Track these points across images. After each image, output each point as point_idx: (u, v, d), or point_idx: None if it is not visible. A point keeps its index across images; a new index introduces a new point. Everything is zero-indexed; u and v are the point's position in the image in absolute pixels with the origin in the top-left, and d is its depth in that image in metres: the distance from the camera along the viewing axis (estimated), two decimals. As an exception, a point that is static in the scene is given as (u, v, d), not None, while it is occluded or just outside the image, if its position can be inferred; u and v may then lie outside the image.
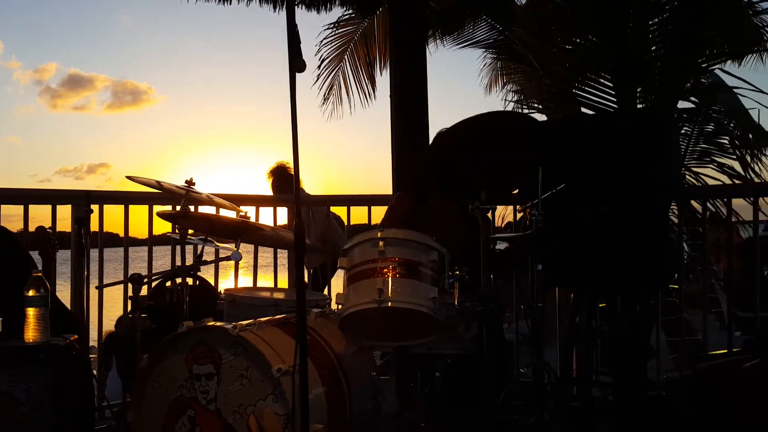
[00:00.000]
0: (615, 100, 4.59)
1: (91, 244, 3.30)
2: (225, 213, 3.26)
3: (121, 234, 3.56)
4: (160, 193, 3.20)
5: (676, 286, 4.18)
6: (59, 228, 3.28)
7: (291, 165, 4.11)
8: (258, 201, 3.85)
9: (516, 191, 3.42)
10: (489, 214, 2.97)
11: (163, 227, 3.68)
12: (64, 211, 3.36)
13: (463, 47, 6.51)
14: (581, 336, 3.48)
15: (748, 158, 4.39)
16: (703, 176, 4.56)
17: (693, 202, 4.19)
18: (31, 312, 2.19)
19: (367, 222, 3.91)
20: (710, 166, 4.59)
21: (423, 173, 3.21)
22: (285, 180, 4.29)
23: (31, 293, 2.18)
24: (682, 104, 4.70)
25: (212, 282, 3.51)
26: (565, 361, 3.44)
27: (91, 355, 3.40)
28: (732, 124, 4.63)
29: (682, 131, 4.63)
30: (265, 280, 3.98)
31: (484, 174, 2.50)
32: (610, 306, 3.48)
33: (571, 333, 3.44)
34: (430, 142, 3.44)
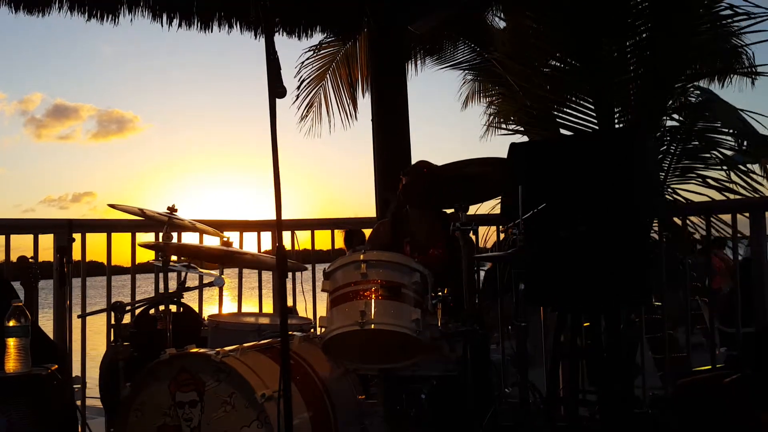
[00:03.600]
0: (595, 121, 4.70)
1: (73, 274, 3.30)
2: (208, 239, 3.28)
3: (104, 263, 3.56)
4: (142, 221, 3.22)
5: (660, 304, 4.23)
6: (41, 258, 3.27)
7: (362, 229, 4.28)
8: (241, 226, 3.87)
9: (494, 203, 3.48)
10: (472, 235, 3.02)
11: (146, 255, 3.69)
12: (47, 241, 3.36)
13: (444, 68, 6.64)
14: (566, 355, 3.52)
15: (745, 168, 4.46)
16: (685, 191, 4.67)
17: (675, 219, 4.27)
18: (11, 342, 2.18)
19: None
20: (693, 181, 4.68)
21: (402, 191, 3.26)
22: (358, 239, 4.43)
23: (11, 323, 2.18)
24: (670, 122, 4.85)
25: (197, 309, 3.50)
26: (552, 380, 3.46)
27: (74, 386, 3.37)
28: (732, 135, 4.71)
29: (663, 148, 4.74)
30: (251, 306, 3.98)
31: (461, 186, 2.53)
32: (594, 324, 3.52)
33: (555, 352, 3.48)
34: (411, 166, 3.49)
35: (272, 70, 2.03)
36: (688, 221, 4.14)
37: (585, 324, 3.65)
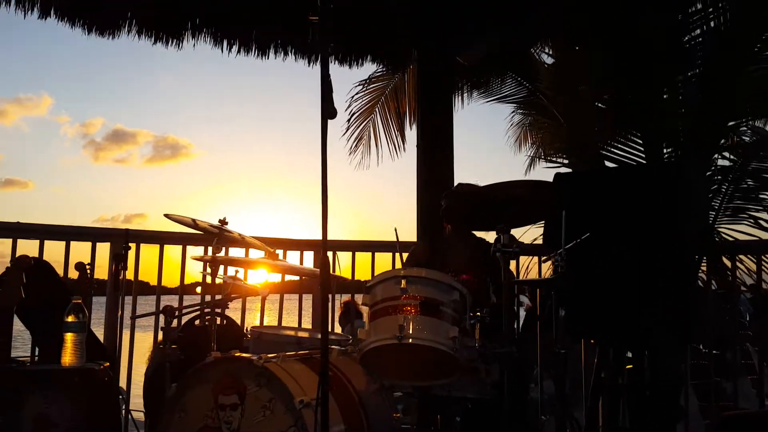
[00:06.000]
0: (643, 156, 4.73)
1: (125, 291, 3.46)
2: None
3: (153, 282, 3.75)
4: (193, 234, 3.41)
5: (707, 351, 4.17)
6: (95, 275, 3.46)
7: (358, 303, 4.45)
8: (285, 245, 4.03)
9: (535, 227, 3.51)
10: (513, 264, 3.08)
11: (192, 278, 3.87)
12: (102, 260, 3.55)
13: (490, 102, 6.76)
14: (607, 391, 3.49)
15: None
16: (735, 232, 4.62)
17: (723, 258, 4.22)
18: (69, 337, 2.35)
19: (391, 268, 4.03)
20: (745, 222, 4.63)
21: (444, 211, 3.36)
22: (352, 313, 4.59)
23: (70, 319, 2.35)
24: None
25: (239, 321, 3.65)
26: (591, 416, 3.44)
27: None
28: None
29: (714, 188, 4.72)
30: (290, 321, 4.11)
31: (504, 208, 2.60)
32: (636, 361, 3.50)
33: (596, 388, 3.46)
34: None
35: (325, 91, 2.15)
36: (738, 261, 4.09)
37: (628, 366, 3.63)
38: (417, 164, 4.83)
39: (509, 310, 2.60)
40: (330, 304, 3.85)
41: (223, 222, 2.95)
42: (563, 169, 5.14)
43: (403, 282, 2.40)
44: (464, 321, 2.47)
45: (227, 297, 2.92)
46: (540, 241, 4.59)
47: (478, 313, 2.50)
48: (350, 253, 4.17)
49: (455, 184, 3.51)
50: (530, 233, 4.79)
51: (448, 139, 4.74)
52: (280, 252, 3.92)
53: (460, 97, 7.24)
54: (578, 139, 4.83)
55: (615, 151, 4.80)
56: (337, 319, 4.71)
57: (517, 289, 3.61)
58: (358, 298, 3.75)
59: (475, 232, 3.46)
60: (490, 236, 3.08)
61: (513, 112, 7.66)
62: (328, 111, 2.11)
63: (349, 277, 4.18)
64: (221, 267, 3.03)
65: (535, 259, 4.21)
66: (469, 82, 7.08)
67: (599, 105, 5.08)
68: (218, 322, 3.04)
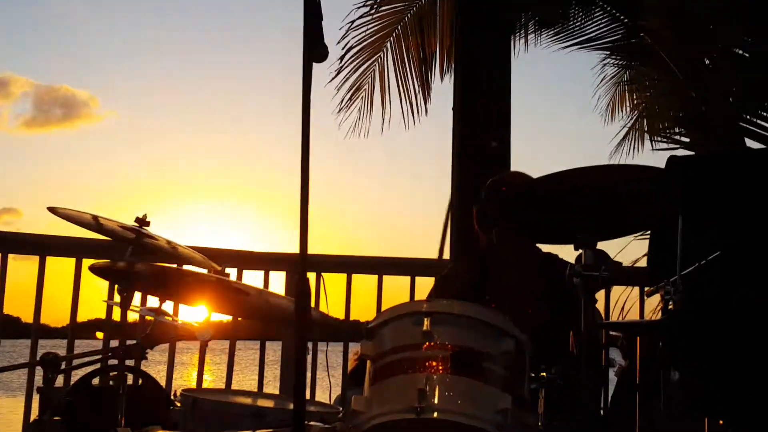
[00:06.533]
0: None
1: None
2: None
3: (27, 318, 3.75)
4: (94, 240, 3.41)
5: None
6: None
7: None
8: (242, 261, 4.03)
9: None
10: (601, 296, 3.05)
11: (92, 311, 3.85)
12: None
13: (569, 48, 6.74)
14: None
15: None
16: None
17: None
18: None
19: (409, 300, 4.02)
20: None
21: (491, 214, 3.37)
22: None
23: None
24: None
25: (163, 382, 3.65)
26: None
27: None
28: None
29: None
30: (247, 384, 4.12)
31: (586, 209, 2.60)
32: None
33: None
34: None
35: (310, 21, 2.14)
36: None
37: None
38: (453, 139, 4.81)
39: (592, 369, 2.59)
40: (309, 355, 3.85)
41: (143, 222, 2.93)
42: (681, 151, 5.13)
43: (426, 322, 2.38)
44: (521, 385, 2.46)
45: (145, 342, 2.91)
46: (643, 263, 4.58)
47: (544, 374, 2.49)
48: (344, 275, 4.16)
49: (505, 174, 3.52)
50: (630, 249, 4.73)
51: (503, 100, 4.72)
52: (232, 271, 3.92)
53: (523, 39, 7.25)
54: (706, 105, 4.81)
55: (759, 123, 4.79)
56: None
57: (606, 338, 3.61)
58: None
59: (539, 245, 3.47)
60: (567, 252, 3.08)
61: (603, 61, 7.64)
62: (313, 50, 2.12)
63: (341, 315, 4.19)
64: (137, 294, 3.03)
65: (636, 290, 4.20)
66: (536, 17, 7.04)
67: (741, 53, 5.06)
68: (130, 381, 3.04)
